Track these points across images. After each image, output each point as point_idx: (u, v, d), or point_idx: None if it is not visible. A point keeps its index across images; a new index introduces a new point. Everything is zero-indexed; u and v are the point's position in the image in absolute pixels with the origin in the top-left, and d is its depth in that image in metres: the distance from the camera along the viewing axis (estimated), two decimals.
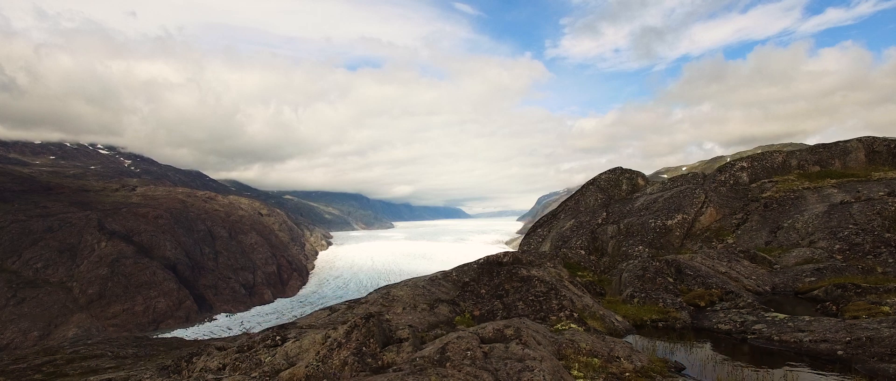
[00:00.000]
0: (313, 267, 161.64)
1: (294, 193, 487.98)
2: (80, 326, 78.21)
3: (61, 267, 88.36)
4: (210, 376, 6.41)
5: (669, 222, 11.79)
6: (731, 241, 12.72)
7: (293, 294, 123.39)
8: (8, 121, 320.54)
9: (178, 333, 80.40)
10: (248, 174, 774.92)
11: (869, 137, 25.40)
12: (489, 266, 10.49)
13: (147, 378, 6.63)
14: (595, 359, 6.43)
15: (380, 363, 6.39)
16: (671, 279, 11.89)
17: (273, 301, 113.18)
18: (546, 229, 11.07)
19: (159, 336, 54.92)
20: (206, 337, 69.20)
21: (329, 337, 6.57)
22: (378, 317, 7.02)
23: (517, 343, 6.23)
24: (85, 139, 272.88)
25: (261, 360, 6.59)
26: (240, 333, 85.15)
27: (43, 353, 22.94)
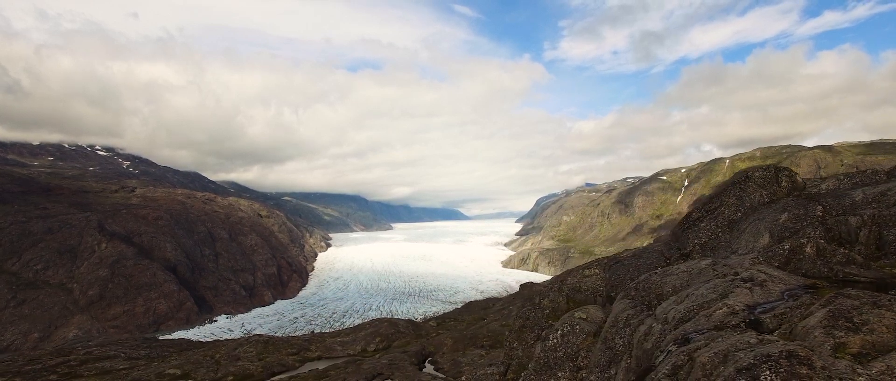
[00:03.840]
0: (313, 269, 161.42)
1: (293, 194, 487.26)
2: (81, 327, 77.94)
3: (61, 268, 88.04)
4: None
5: None
6: None
7: (293, 296, 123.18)
8: (8, 122, 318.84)
9: (179, 334, 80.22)
10: (247, 176, 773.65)
11: None
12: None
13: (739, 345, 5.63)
14: None
15: None
16: None
17: (273, 303, 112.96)
18: (712, 222, 10.79)
19: (163, 338, 54.82)
20: (209, 339, 69.01)
21: None
22: None
23: None
24: (84, 140, 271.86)
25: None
26: (242, 335, 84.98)
27: (57, 354, 22.90)
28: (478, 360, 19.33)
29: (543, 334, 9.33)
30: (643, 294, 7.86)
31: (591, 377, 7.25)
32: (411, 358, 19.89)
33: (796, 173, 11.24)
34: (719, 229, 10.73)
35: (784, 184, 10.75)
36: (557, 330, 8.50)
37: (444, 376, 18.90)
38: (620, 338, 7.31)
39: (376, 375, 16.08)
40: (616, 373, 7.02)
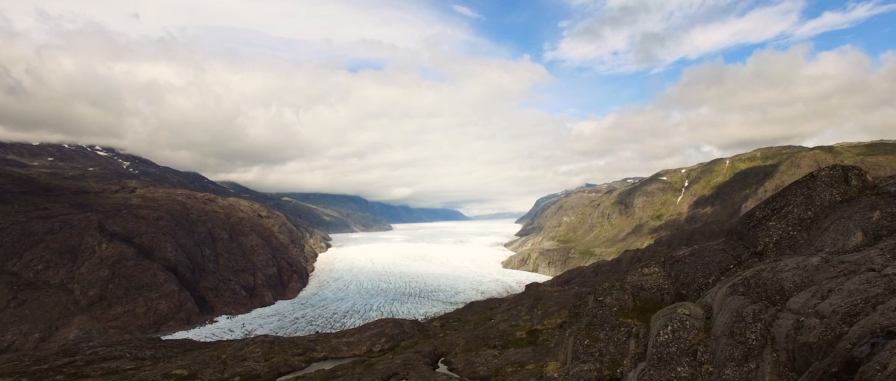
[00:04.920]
0: (313, 269, 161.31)
1: (292, 194, 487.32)
2: (82, 328, 77.74)
3: (62, 269, 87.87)
4: None
5: None
6: None
7: (294, 296, 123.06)
8: (8, 122, 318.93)
9: (180, 335, 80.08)
10: (247, 176, 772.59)
11: None
12: None
13: None
14: None
15: None
16: None
17: (274, 303, 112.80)
18: (782, 221, 10.67)
19: (166, 338, 54.69)
20: (211, 339, 68.88)
21: None
22: None
23: None
24: (84, 141, 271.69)
25: None
26: (242, 335, 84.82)
27: (63, 354, 22.83)
28: (492, 360, 19.45)
29: (634, 330, 9.31)
30: (758, 290, 7.81)
31: (726, 372, 7.21)
32: (425, 359, 19.91)
33: (865, 172, 11.05)
34: (791, 228, 10.59)
35: (855, 183, 10.59)
36: (667, 326, 8.48)
37: (458, 376, 19.01)
38: (752, 333, 7.31)
39: (391, 375, 16.04)
40: (758, 367, 7.01)
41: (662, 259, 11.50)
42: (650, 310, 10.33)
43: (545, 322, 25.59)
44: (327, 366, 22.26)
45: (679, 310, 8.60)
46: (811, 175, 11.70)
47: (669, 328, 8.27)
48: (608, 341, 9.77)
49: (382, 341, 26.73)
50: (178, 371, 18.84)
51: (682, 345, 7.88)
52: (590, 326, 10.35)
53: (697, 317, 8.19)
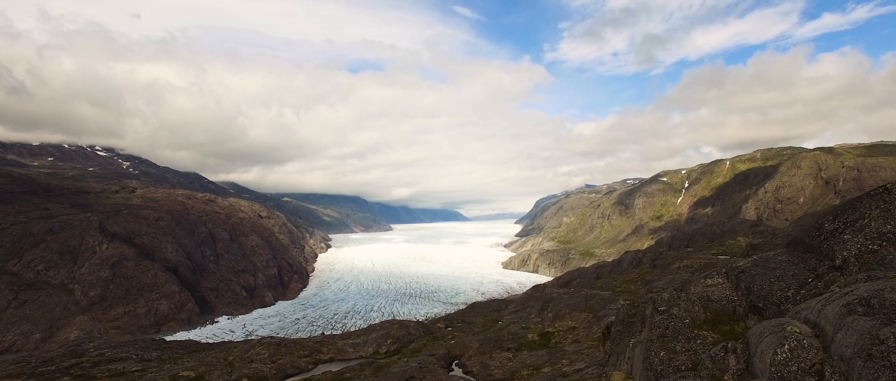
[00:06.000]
0: (313, 270, 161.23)
1: (292, 195, 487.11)
2: (82, 328, 77.62)
3: (63, 269, 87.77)
4: None
5: None
6: None
7: (294, 297, 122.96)
8: (10, 123, 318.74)
9: (181, 335, 79.96)
10: (247, 176, 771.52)
11: None
12: None
13: None
14: None
15: None
16: None
17: (274, 304, 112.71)
18: (858, 235, 10.49)
19: (170, 339, 54.64)
20: (212, 340, 68.76)
21: None
22: None
23: None
24: (85, 141, 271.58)
25: None
26: (243, 336, 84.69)
27: (70, 355, 22.76)
28: (506, 363, 19.48)
29: (730, 345, 9.27)
30: (885, 311, 7.65)
31: None
32: (439, 361, 19.92)
33: None
34: (869, 242, 10.43)
35: None
36: (783, 344, 8.38)
37: (474, 379, 19.01)
38: None
39: (409, 378, 16.01)
40: None
41: (725, 269, 11.32)
42: (722, 322, 10.19)
43: (556, 325, 25.56)
44: (334, 368, 22.26)
45: (788, 327, 8.47)
46: (885, 188, 11.52)
47: (786, 346, 8.14)
48: (693, 354, 9.64)
49: (388, 342, 26.74)
50: (185, 373, 18.77)
51: (802, 365, 7.74)
52: (663, 337, 10.23)
53: (809, 335, 8.09)
